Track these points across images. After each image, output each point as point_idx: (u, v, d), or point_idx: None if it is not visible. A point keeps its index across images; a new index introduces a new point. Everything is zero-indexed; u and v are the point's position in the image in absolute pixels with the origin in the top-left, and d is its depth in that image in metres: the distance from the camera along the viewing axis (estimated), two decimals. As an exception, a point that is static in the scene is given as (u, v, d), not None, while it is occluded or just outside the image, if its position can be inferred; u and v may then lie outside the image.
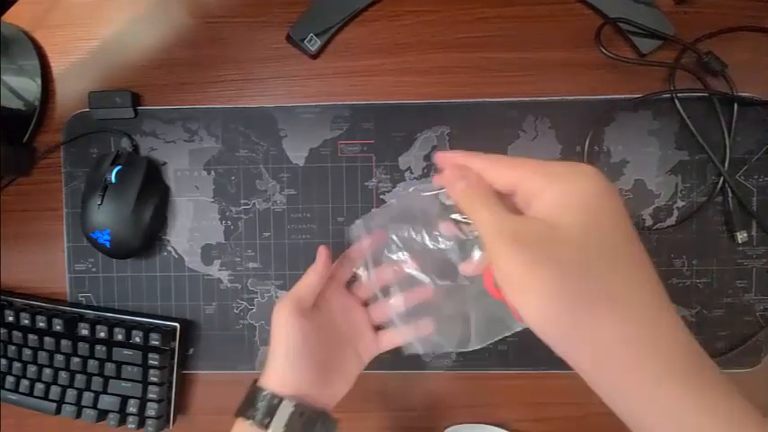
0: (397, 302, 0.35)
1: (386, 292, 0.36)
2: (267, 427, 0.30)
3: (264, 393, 0.31)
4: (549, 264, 0.21)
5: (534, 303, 0.21)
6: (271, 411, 0.30)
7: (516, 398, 0.45)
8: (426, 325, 0.35)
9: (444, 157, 0.28)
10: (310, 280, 0.35)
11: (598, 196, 0.22)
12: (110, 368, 0.43)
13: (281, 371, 0.32)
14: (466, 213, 0.26)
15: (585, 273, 0.21)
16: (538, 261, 0.21)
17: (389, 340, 0.38)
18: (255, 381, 0.33)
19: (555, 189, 0.22)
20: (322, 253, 0.36)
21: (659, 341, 0.21)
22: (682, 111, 0.42)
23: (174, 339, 0.43)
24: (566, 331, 0.21)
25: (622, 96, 0.42)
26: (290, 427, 0.30)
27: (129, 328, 0.43)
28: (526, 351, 0.44)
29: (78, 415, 0.43)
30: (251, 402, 0.31)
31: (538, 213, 0.22)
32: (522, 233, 0.22)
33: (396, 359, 0.45)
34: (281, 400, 0.31)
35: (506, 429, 0.44)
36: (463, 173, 0.26)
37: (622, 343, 0.21)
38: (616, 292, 0.21)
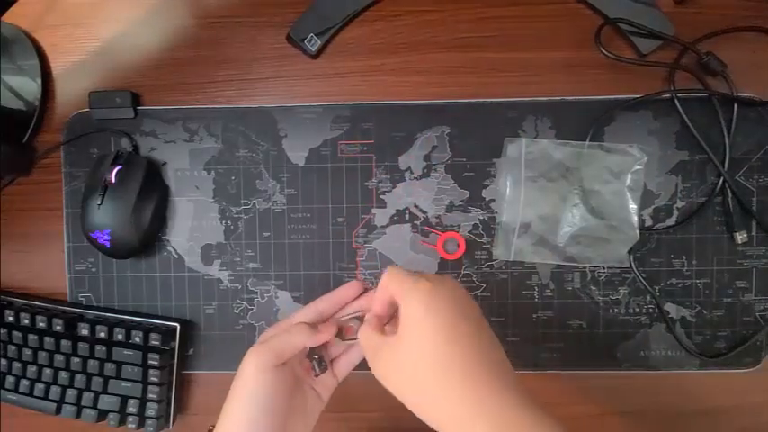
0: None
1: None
2: None
3: None
4: None
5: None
6: None
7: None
8: None
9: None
10: (298, 342, 0.33)
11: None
12: (110, 368, 0.43)
13: (239, 426, 0.31)
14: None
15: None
16: None
17: (344, 368, 0.37)
18: (210, 429, 0.33)
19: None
20: (327, 329, 0.34)
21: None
22: (682, 111, 0.42)
23: (174, 339, 0.43)
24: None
25: (622, 96, 0.42)
26: None
27: (128, 328, 0.43)
28: (526, 352, 0.44)
29: (78, 415, 0.43)
30: None
31: None
32: None
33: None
34: None
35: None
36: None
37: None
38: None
